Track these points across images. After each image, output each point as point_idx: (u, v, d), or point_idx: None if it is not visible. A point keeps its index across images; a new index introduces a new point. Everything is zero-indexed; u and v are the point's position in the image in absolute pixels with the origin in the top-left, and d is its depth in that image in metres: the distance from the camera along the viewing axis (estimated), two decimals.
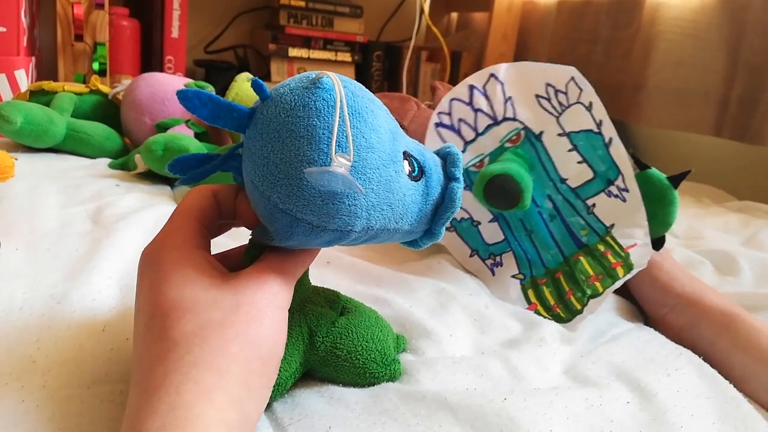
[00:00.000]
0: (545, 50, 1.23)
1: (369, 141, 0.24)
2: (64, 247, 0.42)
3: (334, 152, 0.22)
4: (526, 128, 0.45)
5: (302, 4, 1.25)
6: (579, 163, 0.44)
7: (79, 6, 0.95)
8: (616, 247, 0.42)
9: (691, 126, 0.97)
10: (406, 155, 0.26)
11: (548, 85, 0.44)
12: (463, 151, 0.46)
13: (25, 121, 0.64)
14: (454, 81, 1.34)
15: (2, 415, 0.25)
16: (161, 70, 1.08)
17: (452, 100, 0.46)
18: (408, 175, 0.26)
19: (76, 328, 0.32)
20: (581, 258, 0.44)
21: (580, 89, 0.44)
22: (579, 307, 0.41)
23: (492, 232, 0.48)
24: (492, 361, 0.34)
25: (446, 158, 0.28)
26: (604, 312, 0.41)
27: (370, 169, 0.24)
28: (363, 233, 0.25)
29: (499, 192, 0.40)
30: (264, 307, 0.23)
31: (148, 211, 0.50)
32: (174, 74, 1.04)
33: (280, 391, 0.29)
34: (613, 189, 0.44)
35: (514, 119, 0.45)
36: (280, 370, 0.28)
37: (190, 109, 0.24)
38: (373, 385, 0.31)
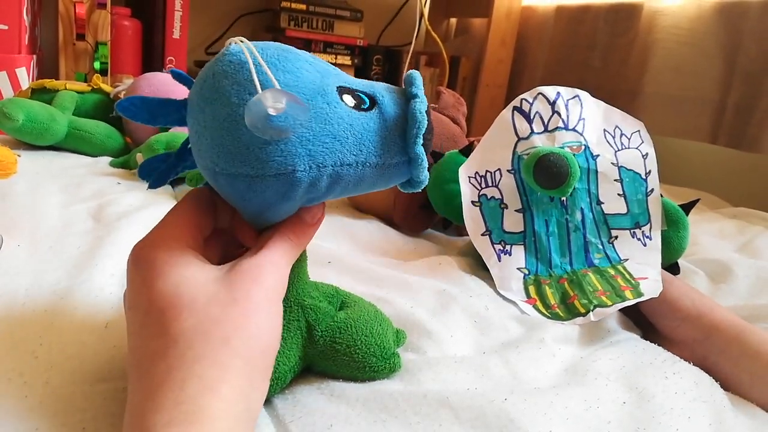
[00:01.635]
0: (544, 56, 1.24)
1: (282, 81, 0.23)
2: (66, 244, 0.42)
3: (259, 88, 0.22)
4: (587, 146, 0.48)
5: (303, 7, 1.26)
6: (619, 195, 0.48)
7: (81, 5, 0.95)
8: (626, 275, 0.44)
9: (688, 133, 0.98)
10: (346, 90, 0.25)
11: (617, 127, 0.48)
12: (526, 138, 0.48)
13: (26, 118, 0.64)
14: (452, 85, 1.35)
15: (6, 411, 0.25)
16: (162, 70, 1.09)
17: (539, 93, 0.49)
18: (355, 108, 0.25)
19: (78, 325, 0.32)
20: (589, 273, 0.45)
21: (642, 140, 0.48)
22: (583, 311, 0.41)
23: (514, 222, 0.49)
24: (492, 362, 0.34)
25: (405, 82, 0.27)
26: (602, 322, 0.42)
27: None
28: (317, 172, 0.24)
29: (550, 168, 0.43)
30: (260, 301, 0.23)
31: (150, 210, 0.50)
32: None
33: (279, 385, 0.29)
34: (638, 232, 0.47)
35: (581, 134, 0.48)
36: (279, 365, 0.28)
37: (131, 118, 0.26)
38: (374, 380, 0.31)
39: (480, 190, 0.49)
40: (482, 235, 0.49)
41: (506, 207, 0.49)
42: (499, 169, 0.49)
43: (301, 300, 0.30)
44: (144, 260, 0.24)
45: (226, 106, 0.23)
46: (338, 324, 0.30)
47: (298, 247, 0.27)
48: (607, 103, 0.50)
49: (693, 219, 0.76)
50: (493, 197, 0.49)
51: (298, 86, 0.24)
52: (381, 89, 0.26)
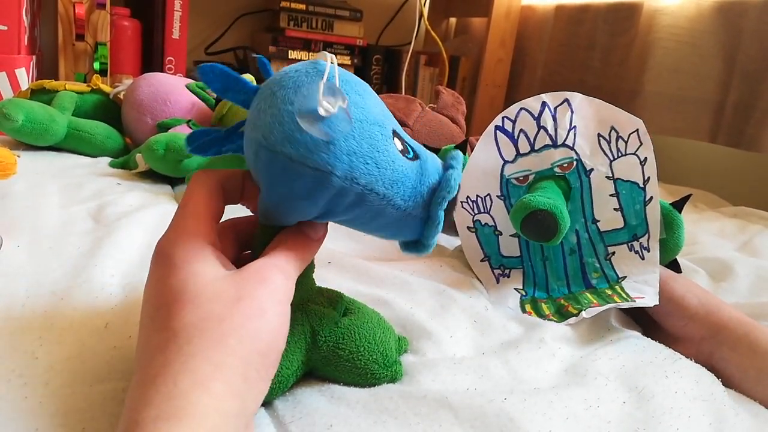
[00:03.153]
0: (543, 56, 1.24)
1: (353, 99, 0.25)
2: (66, 244, 0.42)
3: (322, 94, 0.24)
4: (578, 160, 0.45)
5: (302, 7, 1.26)
6: (615, 209, 0.45)
7: (80, 5, 0.95)
8: (623, 294, 0.43)
9: (687, 132, 0.98)
10: (398, 136, 0.27)
11: (613, 128, 0.45)
12: (513, 162, 0.47)
13: (26, 119, 0.64)
14: (452, 85, 1.35)
15: (6, 411, 0.25)
16: (162, 70, 1.09)
17: (522, 109, 0.46)
18: (401, 153, 0.27)
19: (78, 325, 0.32)
20: (586, 293, 0.45)
21: (641, 143, 0.44)
22: (575, 312, 0.41)
23: (510, 246, 0.48)
24: (492, 362, 0.34)
25: (445, 154, 0.29)
26: (603, 320, 0.42)
27: (353, 119, 0.25)
28: (348, 183, 0.25)
29: (536, 226, 0.41)
30: (265, 302, 0.24)
31: (149, 210, 0.50)
32: (174, 75, 1.04)
33: (281, 388, 0.29)
34: (635, 244, 0.45)
35: (571, 148, 0.45)
36: (282, 368, 0.28)
37: (206, 82, 0.27)
38: (374, 386, 0.31)
39: (474, 215, 0.48)
40: (481, 261, 0.48)
41: (500, 233, 0.48)
42: (488, 195, 0.48)
43: (305, 305, 0.30)
44: (164, 256, 0.24)
45: (298, 95, 0.24)
46: (342, 330, 0.30)
47: (303, 261, 0.27)
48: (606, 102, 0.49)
49: (693, 218, 0.76)
50: (486, 224, 0.48)
51: (364, 108, 0.26)
52: (426, 152, 0.29)
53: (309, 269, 0.30)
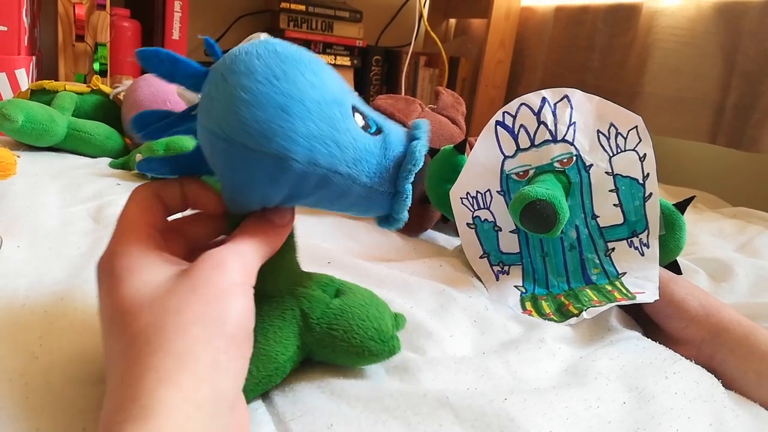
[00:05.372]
0: (543, 57, 1.24)
1: (307, 78, 0.24)
2: (66, 245, 0.42)
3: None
4: (578, 156, 0.45)
5: (302, 8, 1.26)
6: (615, 205, 0.45)
7: (80, 6, 0.95)
8: (624, 290, 0.43)
9: (687, 133, 0.98)
10: (359, 111, 0.26)
11: (612, 125, 0.45)
12: (513, 157, 0.47)
13: (26, 119, 0.64)
14: (452, 86, 1.35)
15: (8, 411, 0.26)
16: None
17: (522, 104, 0.46)
18: (363, 129, 0.26)
19: (78, 325, 0.32)
20: (587, 289, 0.45)
21: (640, 139, 0.45)
22: (576, 312, 0.41)
23: (509, 242, 0.48)
24: (492, 362, 0.34)
25: (412, 126, 0.28)
26: (603, 320, 0.42)
27: (309, 100, 0.24)
28: (310, 167, 0.24)
29: (535, 216, 0.41)
30: (222, 285, 0.23)
31: None
32: None
33: (280, 375, 0.29)
34: (635, 240, 0.45)
35: (571, 143, 0.45)
36: (277, 354, 0.28)
37: (149, 68, 0.26)
38: (374, 364, 0.31)
39: (473, 212, 0.48)
40: (480, 258, 0.48)
41: (500, 230, 0.48)
42: (488, 190, 0.48)
43: (292, 289, 0.30)
44: (106, 271, 0.24)
45: (252, 81, 0.24)
46: (333, 311, 0.30)
47: (268, 247, 0.27)
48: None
49: (692, 218, 0.76)
50: (486, 219, 0.48)
51: (321, 88, 0.25)
52: (389, 124, 0.28)
53: (289, 253, 0.30)
